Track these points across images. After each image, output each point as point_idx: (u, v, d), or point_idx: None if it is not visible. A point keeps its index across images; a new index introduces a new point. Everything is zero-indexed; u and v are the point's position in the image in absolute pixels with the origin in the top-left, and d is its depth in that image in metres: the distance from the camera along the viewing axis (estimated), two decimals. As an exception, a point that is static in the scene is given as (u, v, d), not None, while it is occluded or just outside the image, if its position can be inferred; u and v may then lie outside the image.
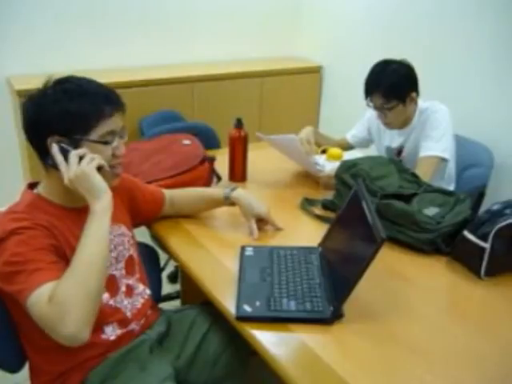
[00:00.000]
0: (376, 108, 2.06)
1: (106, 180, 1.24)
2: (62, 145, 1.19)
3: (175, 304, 2.18)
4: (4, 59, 2.92)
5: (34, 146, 1.25)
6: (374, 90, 2.02)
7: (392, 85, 1.99)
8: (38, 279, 1.08)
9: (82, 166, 1.17)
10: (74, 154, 1.18)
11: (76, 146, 1.20)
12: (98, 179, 1.19)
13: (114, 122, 1.25)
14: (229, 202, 1.62)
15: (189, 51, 3.47)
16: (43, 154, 1.23)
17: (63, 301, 1.04)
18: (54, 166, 1.20)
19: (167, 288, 2.53)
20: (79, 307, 1.05)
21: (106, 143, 1.24)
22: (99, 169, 1.21)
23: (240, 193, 1.62)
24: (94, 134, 1.22)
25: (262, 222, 1.63)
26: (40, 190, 1.28)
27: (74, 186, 1.18)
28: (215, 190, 1.70)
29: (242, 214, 1.62)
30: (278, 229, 1.63)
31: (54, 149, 1.19)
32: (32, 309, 1.07)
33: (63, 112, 1.19)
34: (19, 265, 1.10)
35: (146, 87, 3.05)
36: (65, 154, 1.19)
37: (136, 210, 1.53)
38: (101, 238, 1.16)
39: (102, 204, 1.18)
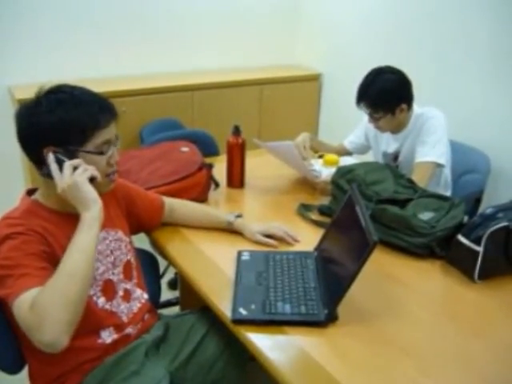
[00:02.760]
0: (367, 114, 2.09)
1: (101, 187, 1.26)
2: (58, 155, 1.21)
3: (174, 310, 2.19)
4: (5, 68, 2.96)
5: (28, 156, 1.26)
6: (363, 99, 2.04)
7: (379, 97, 2.01)
8: (23, 285, 1.10)
9: (74, 176, 1.18)
10: (68, 165, 1.19)
11: (72, 156, 1.21)
12: (89, 190, 1.20)
13: (109, 132, 1.26)
14: (231, 226, 1.63)
15: (189, 59, 3.51)
16: (38, 164, 1.24)
17: (41, 309, 1.06)
18: (49, 175, 1.21)
19: (168, 295, 2.54)
20: (56, 316, 1.06)
21: (101, 153, 1.25)
22: (92, 180, 1.22)
23: (242, 221, 1.64)
24: (90, 145, 1.23)
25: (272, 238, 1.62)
26: (38, 196, 1.30)
27: (66, 195, 1.20)
28: (219, 212, 1.73)
29: (249, 237, 1.61)
30: (288, 242, 1.61)
31: (50, 158, 1.20)
32: (15, 314, 1.09)
33: (59, 123, 1.19)
34: (9, 269, 1.12)
35: (146, 95, 3.08)
36: (60, 164, 1.20)
37: (135, 216, 1.54)
38: (87, 247, 1.16)
39: (92, 214, 1.19)
